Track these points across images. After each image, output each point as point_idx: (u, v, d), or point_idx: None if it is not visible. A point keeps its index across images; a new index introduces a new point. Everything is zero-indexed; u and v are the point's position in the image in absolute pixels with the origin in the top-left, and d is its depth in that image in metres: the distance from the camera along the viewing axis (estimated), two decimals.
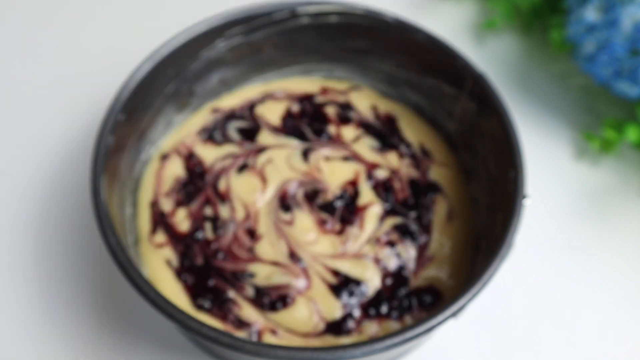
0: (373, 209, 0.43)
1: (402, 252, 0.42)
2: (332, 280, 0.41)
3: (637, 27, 0.44)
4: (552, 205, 0.51)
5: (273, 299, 0.40)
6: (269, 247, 0.42)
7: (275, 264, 0.41)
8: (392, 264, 0.41)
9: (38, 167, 0.51)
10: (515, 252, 0.45)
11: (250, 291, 0.40)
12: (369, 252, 0.42)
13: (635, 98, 0.48)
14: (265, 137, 0.47)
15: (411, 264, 0.42)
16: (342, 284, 0.40)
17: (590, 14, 0.47)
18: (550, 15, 0.59)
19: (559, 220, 0.50)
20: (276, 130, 0.47)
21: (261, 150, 0.46)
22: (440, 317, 0.33)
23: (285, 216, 0.43)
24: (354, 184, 0.45)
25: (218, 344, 0.32)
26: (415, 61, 0.46)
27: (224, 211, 0.43)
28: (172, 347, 0.44)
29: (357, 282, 0.41)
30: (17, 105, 0.54)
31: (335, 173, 0.45)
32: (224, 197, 0.44)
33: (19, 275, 0.46)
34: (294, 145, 0.46)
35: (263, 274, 0.41)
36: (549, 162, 0.53)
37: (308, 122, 0.48)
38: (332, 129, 0.47)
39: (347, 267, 0.41)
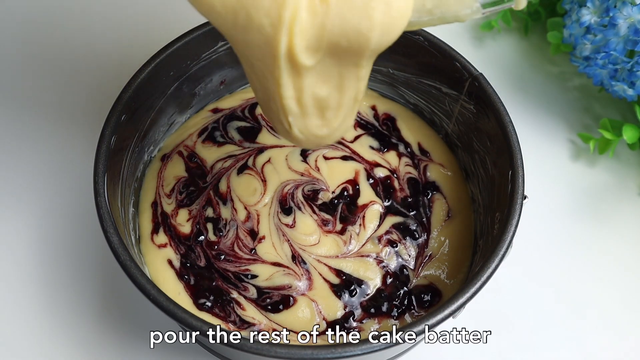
0: (374, 207, 0.44)
1: (402, 251, 0.42)
2: (335, 280, 0.41)
3: (633, 28, 0.44)
4: (549, 205, 0.51)
5: (275, 300, 0.40)
6: (271, 248, 0.42)
7: (277, 265, 0.41)
8: (394, 263, 0.42)
9: (41, 167, 0.51)
10: (513, 252, 0.45)
11: (252, 292, 0.40)
12: (371, 252, 0.42)
13: (632, 99, 0.49)
14: (265, 137, 0.47)
15: (411, 263, 0.42)
16: (345, 284, 0.41)
17: (587, 16, 0.47)
18: (548, 17, 0.59)
19: (556, 220, 0.51)
20: None
21: (261, 150, 0.46)
22: (439, 316, 0.33)
23: (287, 219, 0.43)
24: (354, 183, 0.45)
25: (219, 342, 0.32)
26: (414, 62, 0.46)
27: (225, 212, 0.43)
28: (175, 346, 0.44)
29: (359, 282, 0.41)
30: (20, 106, 0.54)
31: (334, 172, 0.45)
32: (224, 198, 0.44)
33: (21, 274, 0.46)
34: (294, 144, 0.47)
35: (265, 275, 0.41)
36: (546, 162, 0.53)
37: None
38: None
39: (351, 267, 0.41)
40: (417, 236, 0.43)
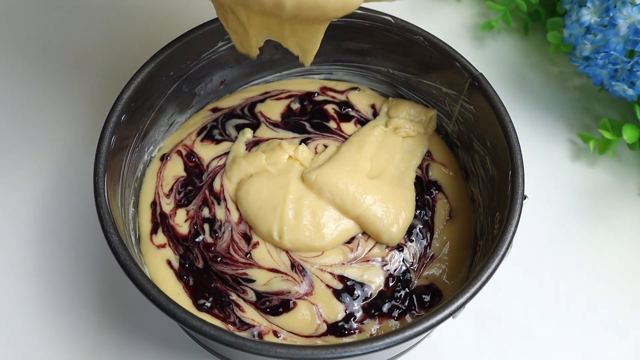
0: None
1: (406, 253, 0.42)
2: (339, 286, 0.40)
3: (633, 28, 0.44)
4: (549, 205, 0.51)
5: (274, 304, 0.40)
6: (266, 255, 0.41)
7: (275, 271, 0.41)
8: (397, 264, 0.41)
9: (41, 167, 0.51)
10: (513, 252, 0.45)
11: (251, 295, 0.40)
12: (377, 256, 0.42)
13: (632, 99, 0.49)
14: (263, 132, 0.47)
15: (414, 264, 0.42)
16: (347, 289, 0.40)
17: (587, 16, 0.47)
18: (548, 17, 0.59)
19: (556, 220, 0.51)
20: (275, 125, 0.47)
21: (257, 143, 0.46)
22: (439, 316, 0.33)
23: None
24: None
25: (219, 342, 0.32)
26: (414, 62, 0.46)
27: (219, 212, 0.43)
28: (175, 346, 0.44)
29: (362, 285, 0.41)
30: (20, 105, 0.54)
31: None
32: (218, 197, 0.44)
33: (21, 274, 0.46)
34: (293, 137, 0.46)
35: (262, 280, 0.40)
36: (546, 163, 0.53)
37: (308, 118, 0.48)
38: (332, 124, 0.47)
39: (356, 273, 0.41)
40: (420, 236, 0.43)
